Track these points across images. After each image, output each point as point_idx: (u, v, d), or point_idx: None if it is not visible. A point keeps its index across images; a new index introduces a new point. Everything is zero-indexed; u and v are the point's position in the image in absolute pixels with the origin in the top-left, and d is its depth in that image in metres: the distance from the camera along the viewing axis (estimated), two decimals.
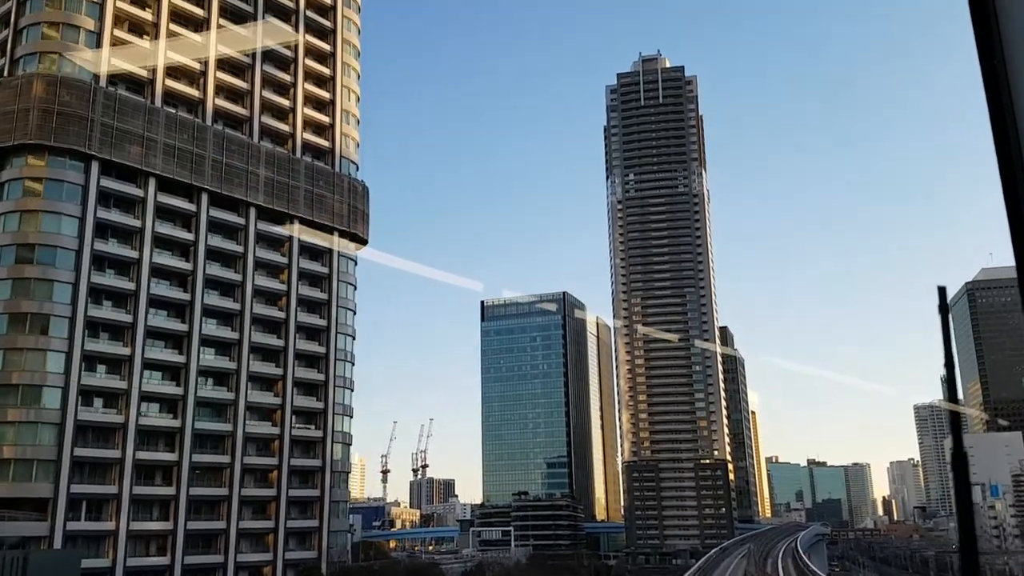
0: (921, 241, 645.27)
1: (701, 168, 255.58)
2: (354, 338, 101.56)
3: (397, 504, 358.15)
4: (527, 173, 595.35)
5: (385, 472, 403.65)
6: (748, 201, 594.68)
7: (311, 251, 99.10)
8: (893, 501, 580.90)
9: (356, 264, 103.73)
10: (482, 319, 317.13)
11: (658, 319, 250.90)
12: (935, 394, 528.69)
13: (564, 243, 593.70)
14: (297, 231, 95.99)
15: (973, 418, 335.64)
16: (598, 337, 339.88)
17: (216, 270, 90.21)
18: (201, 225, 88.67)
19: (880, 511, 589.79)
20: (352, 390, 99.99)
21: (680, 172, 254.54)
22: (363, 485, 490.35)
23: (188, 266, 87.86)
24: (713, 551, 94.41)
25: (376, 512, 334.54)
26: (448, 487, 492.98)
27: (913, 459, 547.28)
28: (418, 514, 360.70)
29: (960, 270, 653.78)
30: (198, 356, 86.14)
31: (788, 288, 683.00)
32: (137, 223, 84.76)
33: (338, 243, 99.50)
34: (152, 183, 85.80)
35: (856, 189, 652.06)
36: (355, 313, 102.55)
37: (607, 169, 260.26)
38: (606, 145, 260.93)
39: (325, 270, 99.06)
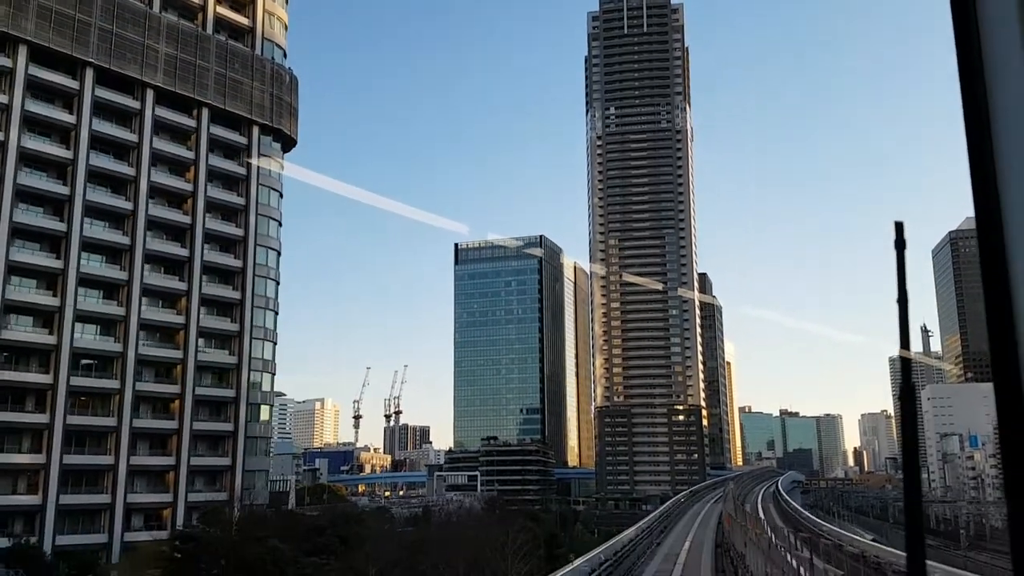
0: (907, 188, 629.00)
1: (685, 103, 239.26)
2: (279, 253, 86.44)
3: (367, 449, 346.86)
4: (503, 105, 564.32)
5: (357, 418, 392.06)
6: (731, 140, 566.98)
7: (226, 148, 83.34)
8: (864, 452, 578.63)
9: (282, 168, 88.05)
10: (456, 262, 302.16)
11: (636, 262, 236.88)
12: (914, 347, 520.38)
13: (542, 182, 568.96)
14: (206, 121, 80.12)
15: (950, 371, 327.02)
16: (575, 283, 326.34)
17: (104, 161, 74.29)
18: (84, 106, 72.53)
19: (851, 462, 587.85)
20: (276, 312, 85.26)
21: (663, 107, 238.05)
22: (336, 431, 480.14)
23: (68, 154, 71.97)
24: (681, 494, 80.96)
25: (344, 457, 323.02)
26: (423, 434, 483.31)
27: (886, 411, 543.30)
28: (389, 460, 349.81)
29: (945, 218, 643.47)
30: (78, 262, 70.87)
31: (768, 234, 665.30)
32: (3, 98, 68.76)
33: (258, 139, 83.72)
34: (23, 51, 69.57)
35: (844, 133, 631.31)
36: (280, 224, 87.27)
37: (587, 103, 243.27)
38: (586, 77, 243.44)
39: (242, 171, 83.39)
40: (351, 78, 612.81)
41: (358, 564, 60.34)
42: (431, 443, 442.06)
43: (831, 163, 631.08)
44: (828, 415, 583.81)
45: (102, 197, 73.97)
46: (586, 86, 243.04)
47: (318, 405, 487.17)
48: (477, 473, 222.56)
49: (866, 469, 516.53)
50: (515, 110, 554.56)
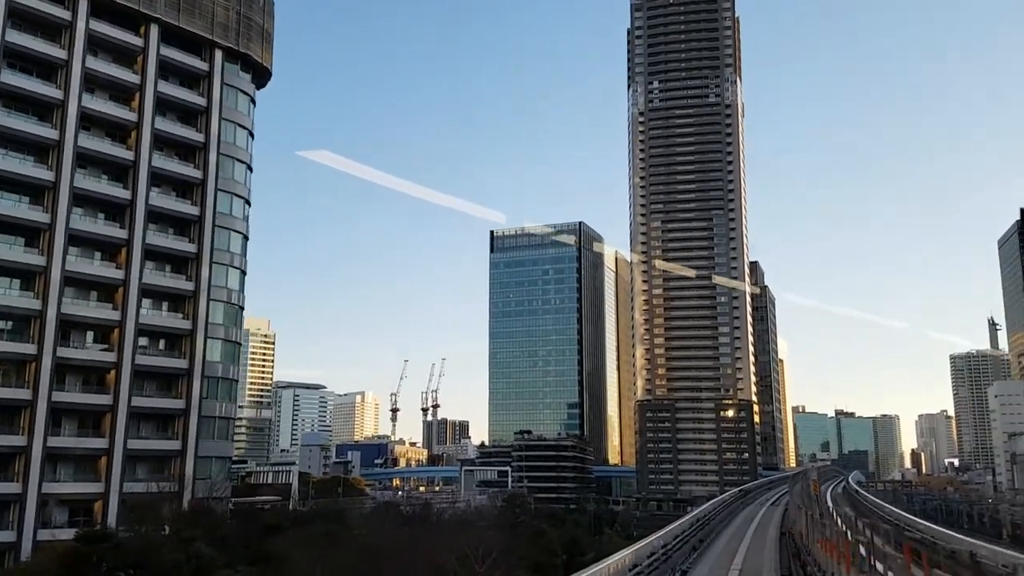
0: (974, 171, 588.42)
1: (736, 76, 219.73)
2: (247, 201, 72.00)
3: (402, 443, 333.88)
4: (540, 83, 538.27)
5: (394, 411, 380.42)
6: (786, 117, 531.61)
7: (182, 74, 69.15)
8: (922, 454, 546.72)
9: (253, 102, 73.45)
10: (491, 250, 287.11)
11: (680, 247, 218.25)
12: (974, 343, 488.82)
13: (582, 165, 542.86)
14: (155, 40, 66.04)
15: (1015, 368, 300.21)
16: (616, 272, 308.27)
17: (23, 81, 60.68)
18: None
19: (908, 463, 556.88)
20: (243, 271, 70.80)
21: (711, 80, 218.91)
22: (377, 425, 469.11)
23: None
24: (727, 493, 63.62)
25: (379, 450, 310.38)
26: (463, 428, 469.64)
27: (946, 411, 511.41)
28: (426, 454, 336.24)
29: (1014, 205, 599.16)
30: None
31: (825, 220, 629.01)
32: None
33: (221, 65, 69.37)
34: None
35: (906, 112, 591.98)
36: (250, 169, 72.81)
37: (629, 77, 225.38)
38: (629, 49, 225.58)
39: (202, 102, 69.11)
40: (378, 54, 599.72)
41: (300, 572, 45.62)
42: (470, 438, 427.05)
43: (892, 145, 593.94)
44: (885, 416, 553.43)
45: (22, 124, 60.26)
46: (628, 59, 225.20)
47: (359, 399, 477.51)
48: (508, 469, 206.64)
49: (923, 471, 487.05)
50: (553, 87, 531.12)
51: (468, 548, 43.70)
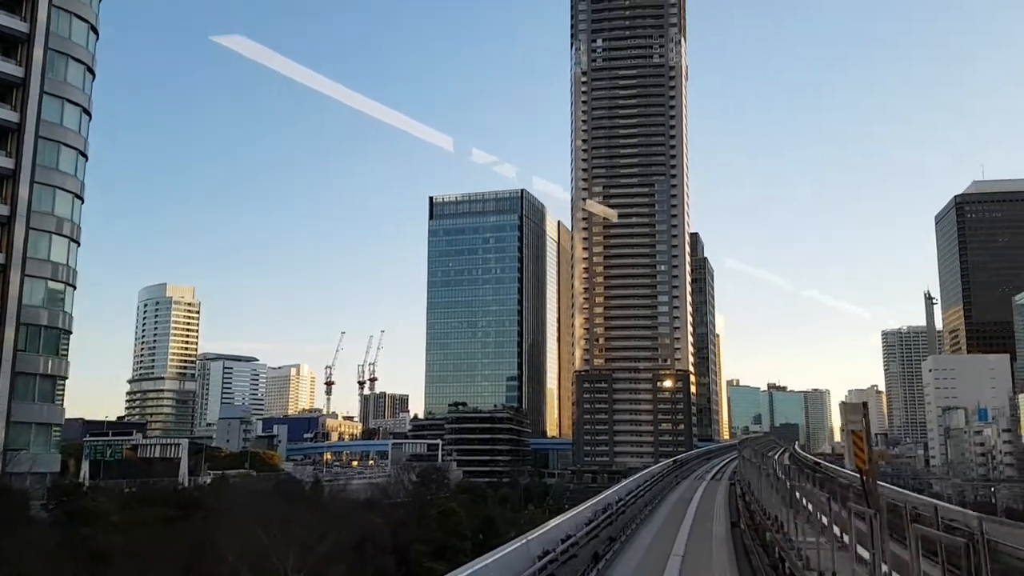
0: (913, 148, 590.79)
1: (681, 37, 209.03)
2: (87, 112, 57.51)
3: (335, 417, 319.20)
4: (475, 37, 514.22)
5: (329, 384, 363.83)
6: (730, 85, 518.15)
7: None
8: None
9: None
10: (430, 217, 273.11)
11: (621, 211, 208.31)
12: (908, 319, 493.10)
13: (525, 127, 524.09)
14: None
15: (950, 340, 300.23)
16: (559, 243, 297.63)
17: None
18: None
19: (838, 437, 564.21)
20: (79, 197, 56.51)
21: (656, 40, 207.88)
22: (312, 399, 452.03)
23: None
24: (657, 465, 52.18)
25: (308, 423, 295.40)
26: (402, 402, 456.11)
27: (876, 386, 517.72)
28: (360, 428, 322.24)
29: (951, 181, 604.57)
30: None
31: (763, 193, 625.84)
32: None
33: None
34: None
35: (853, 88, 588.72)
36: (93, 75, 58.37)
37: (572, 35, 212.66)
38: (572, 5, 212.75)
39: None
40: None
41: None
42: (409, 412, 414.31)
43: (836, 120, 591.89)
44: (816, 390, 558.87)
45: None
46: (572, 16, 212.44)
47: (294, 372, 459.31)
48: (438, 442, 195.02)
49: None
50: (493, 42, 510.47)
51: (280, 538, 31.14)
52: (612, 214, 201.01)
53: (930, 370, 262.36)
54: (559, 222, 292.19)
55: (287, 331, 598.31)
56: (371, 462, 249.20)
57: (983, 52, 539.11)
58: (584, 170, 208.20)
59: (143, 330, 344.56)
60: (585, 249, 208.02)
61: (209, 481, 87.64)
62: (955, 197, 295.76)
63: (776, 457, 49.26)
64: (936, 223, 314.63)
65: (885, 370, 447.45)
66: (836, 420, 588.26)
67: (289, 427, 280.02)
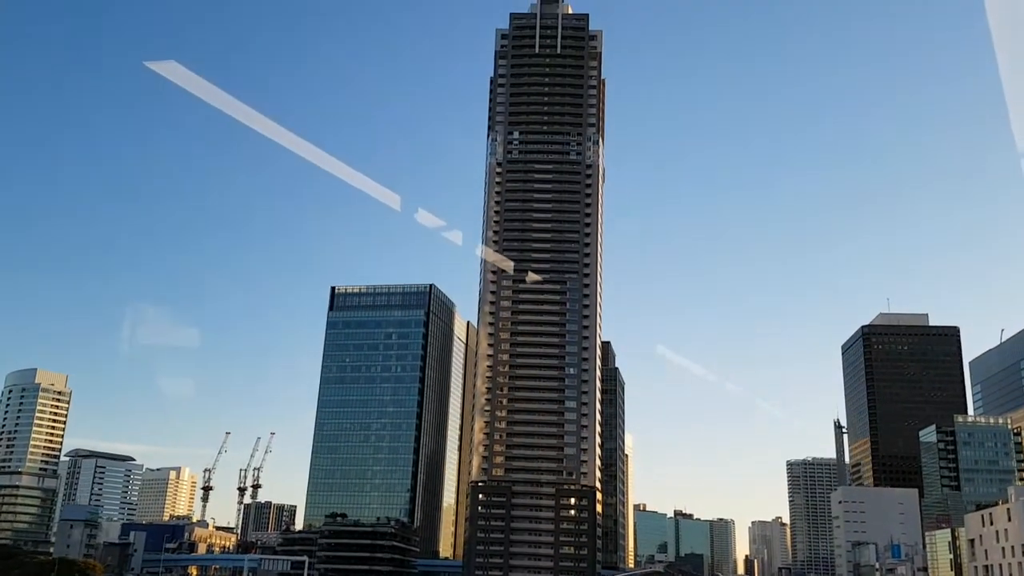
0: (820, 281, 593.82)
1: (599, 136, 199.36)
2: None
3: (205, 525, 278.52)
4: (397, 125, 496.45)
5: (207, 489, 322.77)
6: (646, 195, 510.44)
7: None
8: (755, 560, 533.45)
9: None
10: (330, 308, 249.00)
11: (531, 308, 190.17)
12: (812, 450, 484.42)
13: (440, 215, 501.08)
14: None
15: (864, 474, 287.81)
16: (467, 344, 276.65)
17: None
18: None
19: (741, 570, 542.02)
20: None
21: (574, 137, 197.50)
22: (191, 505, 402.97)
23: None
24: None
25: (173, 532, 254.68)
26: (290, 513, 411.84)
27: (780, 518, 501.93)
28: (233, 539, 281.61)
29: (858, 311, 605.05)
30: None
31: (676, 306, 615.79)
32: None
33: None
34: None
35: (761, 214, 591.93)
36: None
37: (489, 126, 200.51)
38: (491, 98, 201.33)
39: None
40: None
41: None
42: (296, 524, 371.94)
43: (747, 249, 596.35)
44: (721, 520, 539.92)
45: None
46: (490, 108, 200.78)
47: (173, 475, 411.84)
48: (304, 559, 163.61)
49: None
50: (410, 133, 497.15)
51: None
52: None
53: (839, 502, 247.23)
54: (468, 323, 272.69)
55: (173, 430, 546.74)
56: None
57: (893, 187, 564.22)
58: (494, 263, 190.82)
59: (3, 418, 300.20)
60: (490, 345, 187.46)
61: None
62: (862, 327, 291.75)
63: None
64: (843, 352, 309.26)
65: (790, 501, 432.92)
66: (740, 552, 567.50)
67: (150, 535, 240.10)
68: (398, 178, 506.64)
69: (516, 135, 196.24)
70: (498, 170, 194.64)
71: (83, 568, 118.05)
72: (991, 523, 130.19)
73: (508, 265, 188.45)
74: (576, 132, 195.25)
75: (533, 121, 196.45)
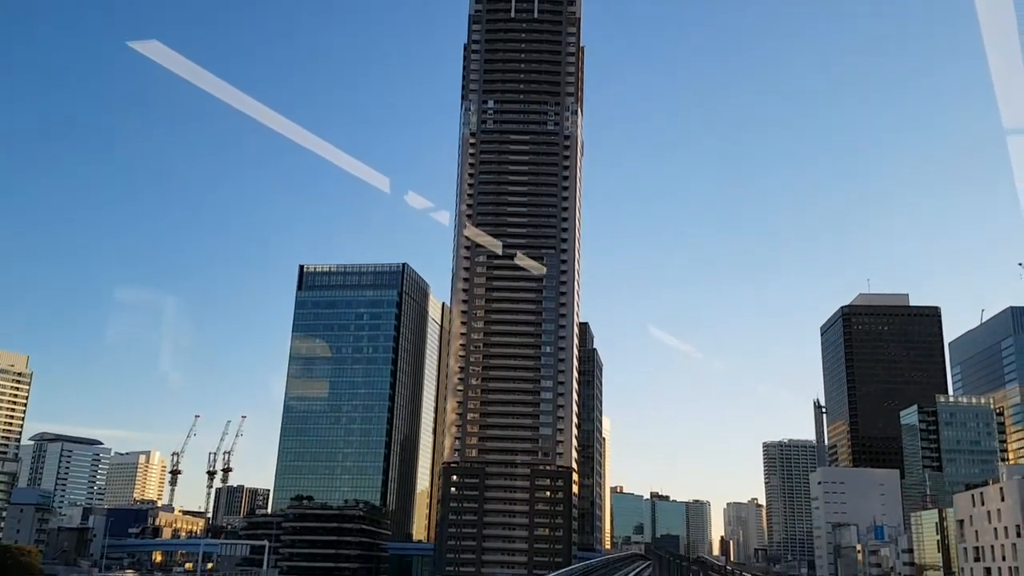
0: (800, 260, 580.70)
1: (577, 106, 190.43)
2: None
3: (171, 510, 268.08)
4: (368, 97, 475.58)
5: (175, 472, 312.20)
6: (625, 168, 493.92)
7: None
8: (731, 541, 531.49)
9: None
10: (299, 287, 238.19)
11: (507, 285, 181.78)
12: (789, 432, 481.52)
13: (411, 188, 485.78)
14: None
15: (842, 456, 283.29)
16: (442, 326, 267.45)
17: None
18: None
19: (716, 551, 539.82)
20: None
21: (551, 107, 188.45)
22: (161, 489, 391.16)
23: None
24: None
25: (136, 516, 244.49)
26: (264, 497, 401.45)
27: (756, 499, 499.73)
28: (200, 524, 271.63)
29: (837, 292, 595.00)
30: None
31: (655, 281, 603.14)
32: None
33: None
34: None
35: (747, 191, 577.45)
36: None
37: (463, 95, 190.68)
38: (464, 66, 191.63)
39: None
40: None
41: None
42: (268, 508, 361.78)
43: (728, 227, 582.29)
44: (697, 501, 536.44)
45: None
46: (464, 76, 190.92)
47: (143, 459, 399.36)
48: (265, 543, 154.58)
49: (730, 558, 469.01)
50: (383, 104, 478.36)
51: None
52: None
53: (819, 482, 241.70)
54: (443, 304, 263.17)
55: (142, 414, 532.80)
56: (211, 565, 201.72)
57: (875, 167, 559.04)
58: (468, 238, 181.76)
59: None
60: (464, 323, 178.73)
61: None
62: (842, 308, 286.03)
63: None
64: (822, 333, 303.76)
65: (766, 483, 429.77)
66: (716, 532, 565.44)
67: (113, 520, 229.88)
68: (370, 152, 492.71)
69: (491, 104, 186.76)
70: (472, 141, 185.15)
71: (17, 553, 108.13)
72: (982, 503, 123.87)
73: (484, 241, 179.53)
74: (554, 101, 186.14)
75: (509, 90, 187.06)
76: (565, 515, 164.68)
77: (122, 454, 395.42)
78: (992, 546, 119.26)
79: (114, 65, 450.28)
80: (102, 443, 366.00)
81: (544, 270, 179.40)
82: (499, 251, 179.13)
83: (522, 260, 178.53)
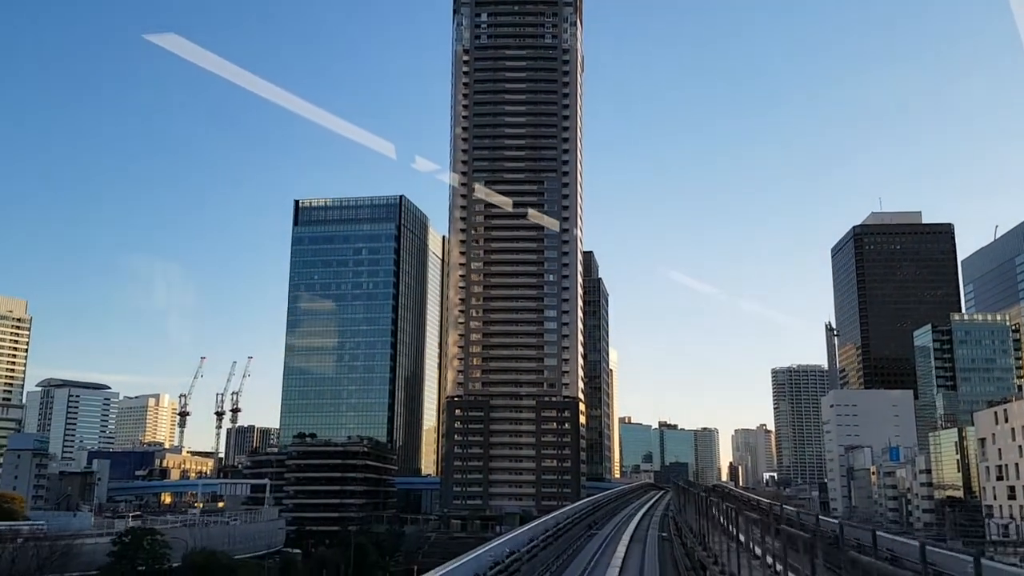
0: (812, 177, 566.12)
1: (576, 18, 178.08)
2: None
3: (179, 451, 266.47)
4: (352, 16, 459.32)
5: (183, 415, 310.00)
6: (629, 80, 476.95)
7: None
8: (740, 468, 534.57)
9: None
10: (295, 223, 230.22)
11: (506, 212, 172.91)
12: (798, 358, 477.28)
13: (404, 114, 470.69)
14: None
15: (852, 379, 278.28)
16: (443, 259, 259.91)
17: None
18: None
19: (725, 477, 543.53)
20: None
21: (548, 19, 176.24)
22: (172, 432, 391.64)
23: None
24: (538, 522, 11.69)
25: (142, 459, 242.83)
26: (276, 437, 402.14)
27: (764, 425, 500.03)
28: (210, 464, 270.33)
29: (849, 211, 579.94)
30: None
31: (656, 209, 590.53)
32: None
33: None
34: None
35: (753, 107, 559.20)
36: None
37: (455, 8, 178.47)
38: None
39: None
40: None
41: None
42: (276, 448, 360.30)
43: (735, 142, 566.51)
44: (706, 429, 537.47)
45: None
46: None
47: (152, 402, 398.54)
48: (266, 482, 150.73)
49: (740, 484, 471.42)
50: (371, 25, 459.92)
51: None
52: (504, 201, 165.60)
53: (831, 405, 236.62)
54: (444, 237, 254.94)
55: (148, 358, 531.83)
56: (221, 504, 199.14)
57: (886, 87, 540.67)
58: (464, 162, 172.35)
59: None
60: (462, 253, 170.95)
61: None
62: (853, 227, 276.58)
63: None
64: (833, 255, 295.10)
65: (775, 408, 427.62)
66: (725, 459, 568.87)
67: (119, 463, 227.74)
68: (359, 84, 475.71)
69: (484, 17, 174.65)
70: (465, 58, 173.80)
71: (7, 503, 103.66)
72: (1006, 420, 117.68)
73: (481, 164, 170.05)
74: (551, 13, 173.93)
75: (503, 1, 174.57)
76: (572, 446, 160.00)
77: (131, 398, 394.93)
78: (1016, 464, 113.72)
79: (116, 41, 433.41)
80: (109, 387, 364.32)
81: (545, 195, 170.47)
82: (497, 177, 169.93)
83: (521, 191, 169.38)
